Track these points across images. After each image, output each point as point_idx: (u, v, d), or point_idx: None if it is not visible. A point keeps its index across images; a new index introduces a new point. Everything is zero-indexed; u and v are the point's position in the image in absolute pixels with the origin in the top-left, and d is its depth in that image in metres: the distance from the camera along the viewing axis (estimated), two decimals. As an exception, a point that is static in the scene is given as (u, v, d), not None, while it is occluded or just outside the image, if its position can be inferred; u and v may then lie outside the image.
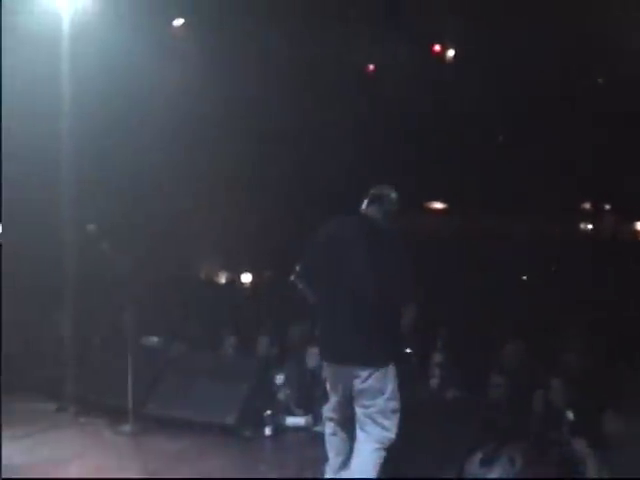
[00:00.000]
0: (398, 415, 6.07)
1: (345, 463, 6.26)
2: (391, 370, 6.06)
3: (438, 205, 24.14)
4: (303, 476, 7.21)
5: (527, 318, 11.39)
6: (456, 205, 23.22)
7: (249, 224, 18.94)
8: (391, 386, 6.04)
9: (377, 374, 5.98)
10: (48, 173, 13.93)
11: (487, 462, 6.59)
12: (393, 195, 6.49)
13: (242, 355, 10.28)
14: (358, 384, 6.01)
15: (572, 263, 18.53)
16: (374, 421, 6.02)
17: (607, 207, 25.18)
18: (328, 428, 6.45)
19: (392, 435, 6.02)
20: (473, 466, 6.66)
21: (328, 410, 6.45)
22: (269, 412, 8.55)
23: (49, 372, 10.40)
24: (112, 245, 8.17)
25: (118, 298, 10.28)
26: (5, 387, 9.34)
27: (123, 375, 8.45)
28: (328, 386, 6.38)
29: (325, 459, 6.39)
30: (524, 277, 18.92)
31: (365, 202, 6.44)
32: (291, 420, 8.89)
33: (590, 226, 25.38)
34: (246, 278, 18.73)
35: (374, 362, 5.99)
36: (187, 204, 16.67)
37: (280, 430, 8.59)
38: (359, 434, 6.11)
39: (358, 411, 6.10)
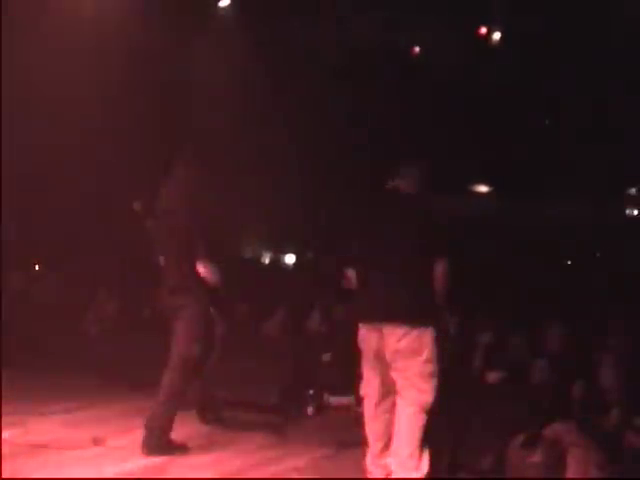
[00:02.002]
0: (436, 380, 6.01)
1: (387, 448, 6.20)
2: (429, 333, 6.00)
3: (483, 188, 24.06)
4: (342, 457, 7.19)
5: (572, 302, 11.35)
6: (501, 188, 23.13)
7: (292, 208, 18.98)
8: (428, 349, 5.98)
9: (414, 333, 5.93)
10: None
11: (529, 444, 6.57)
12: (419, 166, 6.55)
13: (287, 333, 10.31)
14: (393, 343, 5.96)
15: (616, 248, 18.42)
16: (411, 384, 5.97)
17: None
18: (367, 409, 6.37)
19: (430, 398, 5.97)
20: (515, 448, 6.64)
21: (364, 386, 6.39)
22: (311, 391, 8.56)
23: (96, 348, 10.54)
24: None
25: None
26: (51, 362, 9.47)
27: (168, 353, 8.47)
28: (363, 357, 6.32)
29: (366, 441, 6.37)
30: (569, 261, 18.85)
31: (393, 177, 6.48)
32: (334, 399, 8.91)
33: (636, 212, 25.17)
34: (290, 259, 18.78)
35: (411, 320, 5.95)
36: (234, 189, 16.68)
37: (323, 409, 8.61)
38: (398, 401, 6.07)
39: (395, 376, 6.06)
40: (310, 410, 8.47)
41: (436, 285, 6.04)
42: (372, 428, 6.32)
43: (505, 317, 9.49)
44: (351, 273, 6.48)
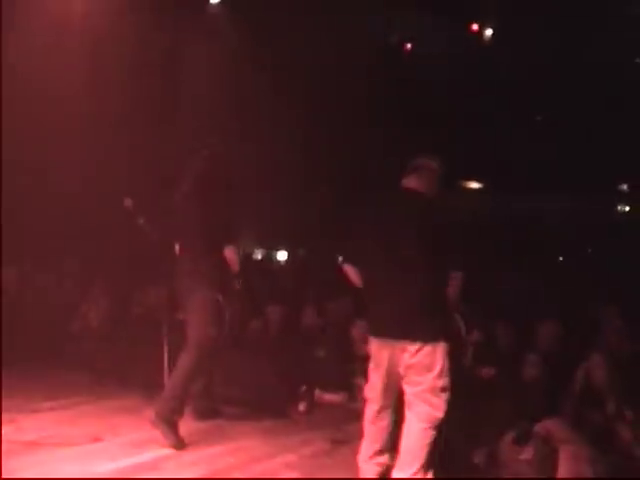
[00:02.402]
0: (448, 394, 5.93)
1: (381, 452, 6.19)
2: (441, 347, 5.90)
3: (474, 185, 24.08)
4: (334, 454, 7.21)
5: (564, 298, 11.37)
6: (492, 185, 23.17)
7: (285, 203, 18.99)
8: (441, 363, 5.89)
9: (426, 349, 5.85)
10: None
11: (521, 441, 6.59)
12: (433, 163, 6.38)
13: (280, 329, 10.30)
14: (406, 359, 5.90)
15: (608, 244, 18.46)
16: (423, 400, 5.90)
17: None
18: (368, 412, 6.35)
19: (441, 414, 5.89)
20: (506, 445, 6.65)
21: (368, 390, 6.35)
22: (304, 388, 8.57)
23: (87, 345, 10.54)
24: (149, 221, 8.15)
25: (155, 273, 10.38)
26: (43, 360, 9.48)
27: (159, 349, 8.49)
28: (372, 364, 6.25)
29: (359, 436, 6.37)
30: (560, 258, 18.88)
31: (406, 174, 6.31)
32: (326, 396, 8.93)
33: (627, 208, 25.21)
34: (282, 255, 18.78)
35: (424, 336, 5.86)
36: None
37: (315, 406, 8.62)
38: (408, 415, 5.99)
39: (407, 390, 5.99)
40: (302, 407, 8.47)
41: (449, 296, 6.00)
42: (370, 430, 6.30)
43: (496, 314, 9.48)
44: (349, 269, 6.42)
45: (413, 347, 5.86)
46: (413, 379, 5.93)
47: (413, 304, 5.88)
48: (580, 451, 6.25)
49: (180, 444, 7.14)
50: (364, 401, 6.43)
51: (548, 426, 6.48)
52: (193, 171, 7.47)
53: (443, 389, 5.92)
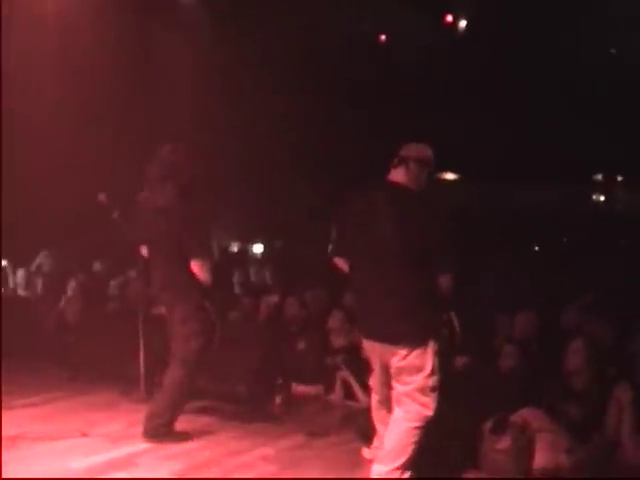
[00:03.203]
0: (437, 392, 5.91)
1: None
2: (431, 346, 5.85)
3: (450, 176, 24.12)
4: (310, 446, 7.21)
5: (540, 287, 11.40)
6: (469, 175, 23.23)
7: (260, 196, 18.98)
8: (431, 363, 5.85)
9: (417, 351, 5.81)
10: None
11: (498, 430, 6.59)
12: (424, 153, 6.15)
13: (257, 322, 10.29)
14: (396, 362, 5.87)
15: (584, 234, 18.54)
16: (413, 399, 5.87)
17: (619, 178, 25.13)
18: (373, 399, 6.43)
19: (430, 413, 5.86)
20: (484, 434, 6.66)
21: (371, 379, 6.40)
22: (280, 380, 8.55)
23: (63, 341, 10.50)
24: (123, 214, 8.10)
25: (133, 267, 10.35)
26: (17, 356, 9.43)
27: (135, 343, 8.47)
28: (369, 359, 6.31)
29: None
30: (536, 247, 18.95)
31: (392, 166, 6.09)
32: (303, 389, 8.92)
33: (602, 198, 25.33)
34: (258, 248, 18.76)
35: (413, 340, 5.81)
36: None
37: (291, 399, 8.60)
38: (396, 411, 5.98)
39: (397, 388, 5.97)
40: (279, 400, 8.45)
41: (440, 294, 5.90)
42: (378, 416, 6.39)
43: (472, 304, 9.48)
44: (338, 261, 6.34)
45: (403, 351, 5.83)
46: (404, 379, 5.91)
47: (400, 306, 5.80)
48: (557, 440, 6.27)
49: (186, 438, 7.20)
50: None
51: (525, 415, 6.48)
52: (157, 163, 7.31)
53: (433, 388, 5.90)
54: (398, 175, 6.03)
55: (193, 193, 7.17)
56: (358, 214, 6.06)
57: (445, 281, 5.87)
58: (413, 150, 6.12)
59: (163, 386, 7.24)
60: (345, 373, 8.62)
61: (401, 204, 5.90)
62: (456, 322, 6.39)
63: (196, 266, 7.03)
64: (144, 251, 7.59)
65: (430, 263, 5.78)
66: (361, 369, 7.58)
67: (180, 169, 7.14)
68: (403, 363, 5.85)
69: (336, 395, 8.70)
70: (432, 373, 5.88)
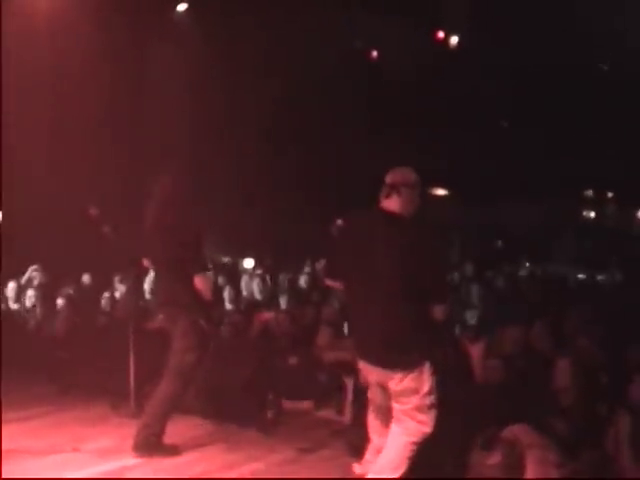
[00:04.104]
0: (435, 410, 5.95)
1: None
2: (427, 368, 5.90)
3: (440, 192, 24.16)
4: (301, 461, 7.21)
5: (529, 303, 11.42)
6: (458, 191, 23.27)
7: (252, 212, 18.99)
8: (428, 384, 5.89)
9: (412, 375, 5.85)
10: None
11: (488, 446, 6.60)
12: (411, 178, 6.16)
13: (246, 337, 10.28)
14: (393, 386, 5.92)
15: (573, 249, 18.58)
16: (411, 417, 5.91)
17: (610, 195, 25.19)
18: (370, 410, 6.43)
19: (428, 429, 5.92)
20: (474, 450, 6.67)
21: (369, 392, 6.41)
22: (271, 396, 8.55)
23: (51, 354, 10.47)
24: (114, 229, 8.13)
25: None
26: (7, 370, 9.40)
27: (125, 358, 8.47)
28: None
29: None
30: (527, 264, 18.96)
31: (382, 193, 6.10)
32: (294, 404, 8.91)
33: (592, 213, 25.38)
34: (248, 263, 18.72)
35: (408, 365, 5.85)
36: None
37: (282, 414, 8.59)
38: (394, 427, 6.01)
39: (395, 407, 6.00)
40: (269, 415, 8.44)
41: (433, 321, 5.95)
42: (373, 426, 6.39)
43: (459, 320, 9.51)
44: (331, 283, 6.41)
45: (398, 375, 5.86)
46: (401, 400, 5.95)
47: (393, 332, 5.83)
48: (547, 455, 6.28)
49: (174, 451, 7.21)
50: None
51: (515, 431, 6.50)
52: (156, 199, 7.38)
53: (431, 406, 5.95)
54: (391, 204, 6.06)
55: (190, 210, 7.24)
56: (353, 238, 6.12)
57: (439, 311, 5.93)
58: (400, 176, 6.15)
59: (154, 398, 7.25)
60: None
61: (395, 232, 5.93)
62: (450, 347, 6.44)
63: (200, 282, 7.09)
64: (146, 263, 7.67)
65: (423, 290, 5.81)
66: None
67: (177, 205, 7.23)
68: (400, 387, 5.89)
69: (345, 417, 8.55)
70: (429, 392, 5.92)
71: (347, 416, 8.20)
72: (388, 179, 6.13)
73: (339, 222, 6.39)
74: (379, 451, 6.15)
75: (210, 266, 8.30)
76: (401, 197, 6.04)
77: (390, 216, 6.04)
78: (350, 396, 8.44)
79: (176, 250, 7.10)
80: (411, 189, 6.10)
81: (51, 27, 14.56)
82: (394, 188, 6.06)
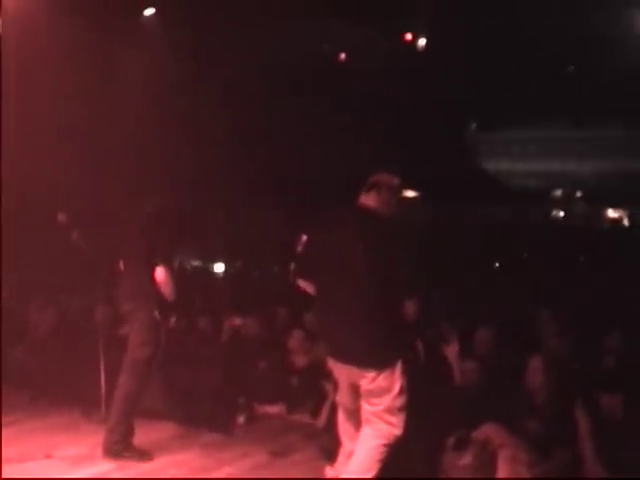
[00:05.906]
0: (405, 412, 5.96)
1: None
2: (398, 367, 5.91)
3: (410, 193, 24.19)
4: (274, 466, 7.21)
5: (501, 304, 11.44)
6: (428, 193, 23.32)
7: (222, 216, 18.96)
8: (399, 384, 5.90)
9: (384, 373, 5.85)
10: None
11: (460, 447, 6.61)
12: (392, 182, 6.28)
13: (217, 341, 10.26)
14: (365, 384, 5.91)
15: (543, 249, 18.66)
16: (381, 418, 5.92)
17: (579, 194, 25.33)
18: (340, 413, 6.43)
19: (398, 432, 5.93)
20: (445, 451, 6.67)
21: (339, 395, 6.41)
22: (242, 400, 8.54)
23: (25, 362, 10.40)
24: (82, 235, 8.10)
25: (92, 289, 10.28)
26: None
27: (96, 365, 8.43)
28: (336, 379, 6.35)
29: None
30: (497, 264, 19.04)
31: (363, 191, 6.20)
32: (265, 408, 8.89)
33: (562, 213, 25.50)
34: (219, 267, 18.72)
35: (381, 363, 5.86)
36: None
37: (254, 418, 8.58)
38: (364, 428, 6.02)
39: (365, 407, 6.01)
40: (241, 419, 8.43)
41: (406, 318, 6.01)
42: (345, 430, 6.39)
43: (434, 320, 9.51)
44: (302, 283, 6.35)
45: (370, 374, 5.87)
46: (372, 400, 5.95)
47: (365, 329, 5.83)
48: (518, 455, 6.30)
49: (145, 456, 7.21)
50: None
51: (487, 431, 6.51)
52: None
53: (401, 408, 5.96)
54: (369, 199, 6.15)
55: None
56: (325, 236, 6.16)
57: (411, 306, 5.94)
58: (385, 177, 6.27)
59: (114, 399, 7.29)
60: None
61: (369, 228, 5.99)
62: (421, 348, 6.45)
63: (161, 274, 7.08)
64: (121, 266, 7.67)
65: (395, 287, 5.85)
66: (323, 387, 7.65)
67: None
68: (372, 386, 5.88)
69: (321, 420, 8.48)
70: (400, 393, 5.93)
71: (323, 420, 8.18)
72: (372, 178, 6.25)
73: (304, 238, 6.37)
74: (351, 455, 6.14)
75: (175, 263, 8.21)
76: (380, 195, 6.15)
77: (363, 213, 6.11)
78: (329, 399, 8.46)
79: (147, 242, 7.16)
80: (392, 192, 6.23)
81: (15, 29, 14.44)
82: (376, 186, 6.18)
